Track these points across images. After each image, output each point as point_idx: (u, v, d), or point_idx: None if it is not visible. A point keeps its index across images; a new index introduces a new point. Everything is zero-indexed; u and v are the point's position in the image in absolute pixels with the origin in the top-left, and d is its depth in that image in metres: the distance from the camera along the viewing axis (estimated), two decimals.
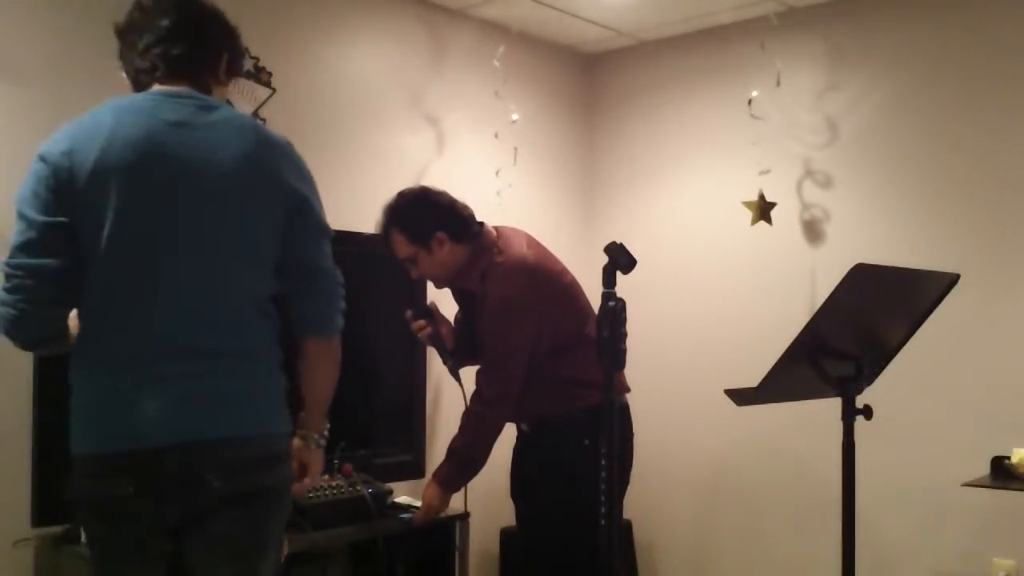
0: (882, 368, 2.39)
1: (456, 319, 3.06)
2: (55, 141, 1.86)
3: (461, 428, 2.86)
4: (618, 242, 1.94)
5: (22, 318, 1.84)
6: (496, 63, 4.01)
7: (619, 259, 1.90)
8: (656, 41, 4.47)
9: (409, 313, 3.00)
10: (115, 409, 1.84)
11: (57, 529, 2.79)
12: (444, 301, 3.13)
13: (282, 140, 2.01)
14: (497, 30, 4.17)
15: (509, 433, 2.93)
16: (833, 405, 2.30)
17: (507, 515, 3.07)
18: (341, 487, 2.98)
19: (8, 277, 1.84)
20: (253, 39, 3.41)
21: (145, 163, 1.83)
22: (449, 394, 3.91)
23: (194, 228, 1.86)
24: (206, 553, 1.90)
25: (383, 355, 3.55)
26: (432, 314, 2.99)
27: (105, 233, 1.82)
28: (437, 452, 3.84)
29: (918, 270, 2.39)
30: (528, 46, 4.36)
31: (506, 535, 3.92)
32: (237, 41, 2.07)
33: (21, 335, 1.88)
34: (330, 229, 2.05)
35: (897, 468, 3.63)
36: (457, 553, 3.38)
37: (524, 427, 2.89)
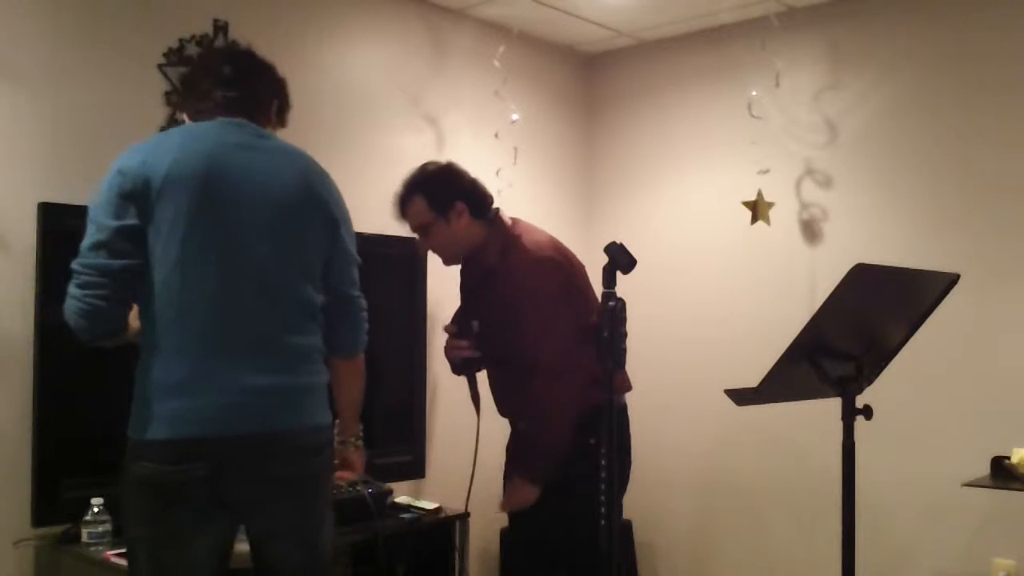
0: (882, 368, 2.39)
1: (455, 318, 3.03)
2: (130, 154, 2.05)
3: (528, 418, 2.72)
4: (618, 242, 1.94)
5: (92, 312, 1.99)
6: (496, 63, 4.01)
7: (619, 259, 1.90)
8: (656, 41, 4.47)
9: (453, 329, 2.88)
10: (188, 399, 2.00)
11: (57, 529, 2.79)
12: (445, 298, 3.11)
13: (325, 171, 2.24)
14: (497, 30, 4.17)
15: (501, 433, 2.92)
16: (833, 405, 2.30)
17: (507, 515, 3.07)
18: (341, 487, 2.98)
19: (78, 274, 2.00)
20: (253, 39, 3.40)
21: (212, 175, 2.03)
22: (449, 394, 3.91)
23: (257, 238, 2.06)
24: (268, 534, 2.13)
25: (383, 355, 3.54)
26: (474, 336, 2.84)
27: (177, 236, 1.99)
28: (437, 452, 3.85)
29: (918, 270, 2.39)
30: (528, 46, 4.36)
31: (506, 535, 3.92)
32: (286, 91, 2.30)
33: (90, 328, 2.02)
34: (358, 258, 2.28)
35: (897, 468, 3.63)
36: (457, 553, 3.38)
37: (523, 426, 2.87)
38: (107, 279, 1.99)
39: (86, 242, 2.01)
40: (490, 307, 2.80)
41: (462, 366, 2.90)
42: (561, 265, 2.77)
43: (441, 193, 2.77)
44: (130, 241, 1.99)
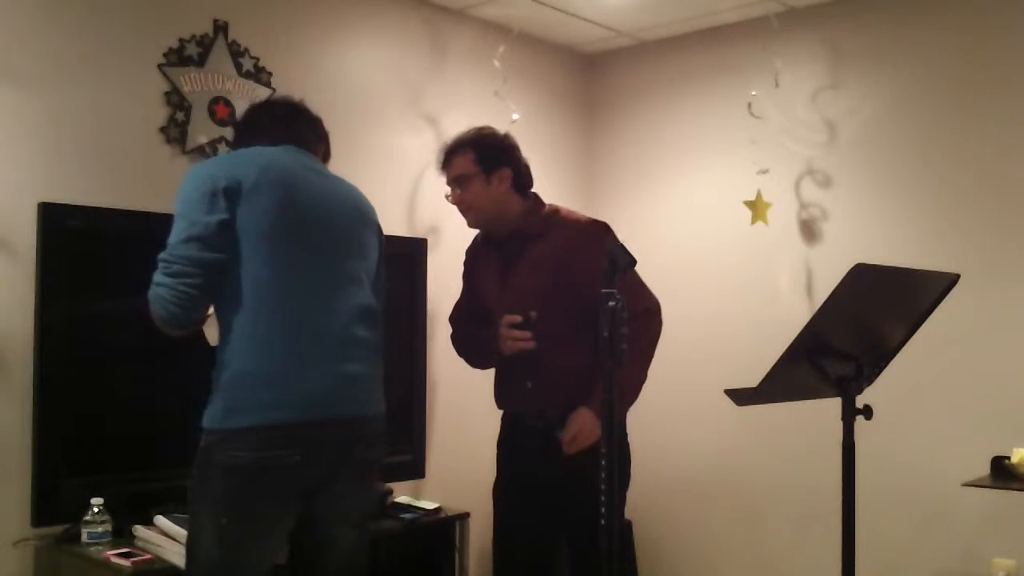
0: (882, 368, 2.38)
1: (466, 307, 2.91)
2: (216, 164, 2.24)
3: (632, 360, 2.66)
4: (618, 242, 1.93)
5: (186, 300, 2.08)
6: (496, 63, 4.01)
7: (618, 259, 1.89)
8: (656, 41, 4.47)
9: (517, 319, 2.65)
10: (283, 387, 2.11)
11: (57, 529, 2.79)
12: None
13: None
14: (497, 30, 4.17)
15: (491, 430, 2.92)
16: (833, 405, 2.30)
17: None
18: None
19: (169, 263, 2.08)
20: (253, 39, 3.42)
21: (293, 187, 2.20)
22: (449, 395, 3.91)
23: (332, 245, 2.24)
24: (332, 514, 2.24)
25: (383, 356, 3.54)
26: (534, 328, 2.67)
27: (265, 236, 2.12)
28: (437, 452, 3.84)
29: (918, 270, 2.39)
30: (528, 46, 4.35)
31: (502, 533, 3.91)
32: (329, 142, 2.51)
33: (183, 315, 2.09)
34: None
35: (897, 468, 3.63)
36: (457, 553, 3.38)
37: (542, 423, 2.70)
38: (199, 269, 2.08)
39: (176, 236, 2.10)
40: (539, 274, 2.70)
41: (513, 357, 2.70)
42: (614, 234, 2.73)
43: (492, 154, 2.76)
44: (221, 236, 2.10)
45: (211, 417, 2.13)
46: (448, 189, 2.82)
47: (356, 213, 2.34)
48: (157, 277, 2.09)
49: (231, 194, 2.11)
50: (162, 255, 2.10)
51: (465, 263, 2.97)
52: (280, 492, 2.12)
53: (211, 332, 2.29)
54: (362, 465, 2.26)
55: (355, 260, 2.29)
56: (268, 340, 2.12)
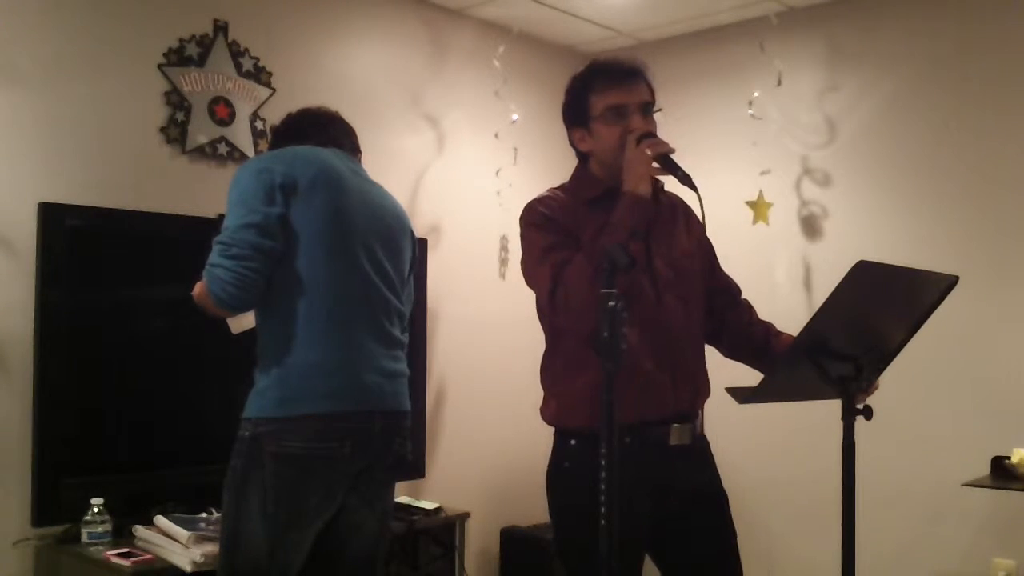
0: (882, 370, 2.38)
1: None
2: (273, 159, 2.23)
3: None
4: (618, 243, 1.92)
5: (244, 281, 2.09)
6: (496, 63, 4.01)
7: (618, 259, 1.89)
8: (656, 41, 4.47)
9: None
10: (345, 377, 2.18)
11: (57, 529, 2.79)
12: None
13: None
14: (497, 30, 4.17)
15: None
16: (833, 405, 2.30)
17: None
18: None
19: (228, 246, 2.10)
20: (253, 39, 3.42)
21: (343, 188, 2.25)
22: (449, 395, 3.91)
23: (377, 247, 2.29)
24: (364, 503, 2.28)
25: None
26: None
27: (319, 233, 2.18)
28: (437, 452, 3.84)
29: (919, 269, 2.39)
30: (528, 46, 4.36)
31: (506, 535, 3.91)
32: (360, 152, 2.52)
33: (239, 296, 2.10)
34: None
35: (897, 468, 3.63)
36: (457, 553, 3.38)
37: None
38: (258, 253, 2.10)
39: (234, 222, 2.12)
40: (687, 239, 2.43)
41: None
42: None
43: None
44: (277, 226, 2.14)
45: (261, 407, 2.15)
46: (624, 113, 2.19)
47: (396, 221, 2.40)
48: (214, 259, 2.11)
49: (287, 191, 2.15)
50: (219, 238, 2.13)
51: (562, 224, 2.18)
52: (329, 482, 2.17)
53: (234, 322, 2.33)
54: (396, 459, 2.32)
55: (394, 264, 2.35)
56: (325, 333, 2.17)
